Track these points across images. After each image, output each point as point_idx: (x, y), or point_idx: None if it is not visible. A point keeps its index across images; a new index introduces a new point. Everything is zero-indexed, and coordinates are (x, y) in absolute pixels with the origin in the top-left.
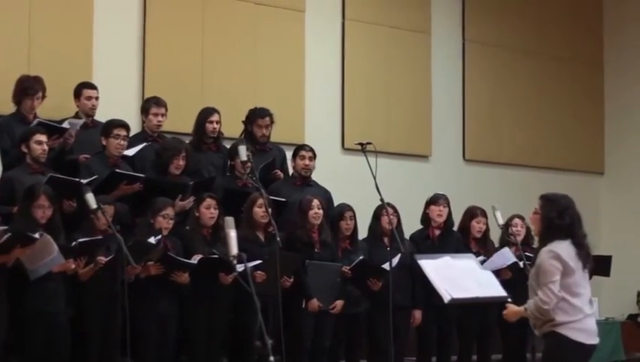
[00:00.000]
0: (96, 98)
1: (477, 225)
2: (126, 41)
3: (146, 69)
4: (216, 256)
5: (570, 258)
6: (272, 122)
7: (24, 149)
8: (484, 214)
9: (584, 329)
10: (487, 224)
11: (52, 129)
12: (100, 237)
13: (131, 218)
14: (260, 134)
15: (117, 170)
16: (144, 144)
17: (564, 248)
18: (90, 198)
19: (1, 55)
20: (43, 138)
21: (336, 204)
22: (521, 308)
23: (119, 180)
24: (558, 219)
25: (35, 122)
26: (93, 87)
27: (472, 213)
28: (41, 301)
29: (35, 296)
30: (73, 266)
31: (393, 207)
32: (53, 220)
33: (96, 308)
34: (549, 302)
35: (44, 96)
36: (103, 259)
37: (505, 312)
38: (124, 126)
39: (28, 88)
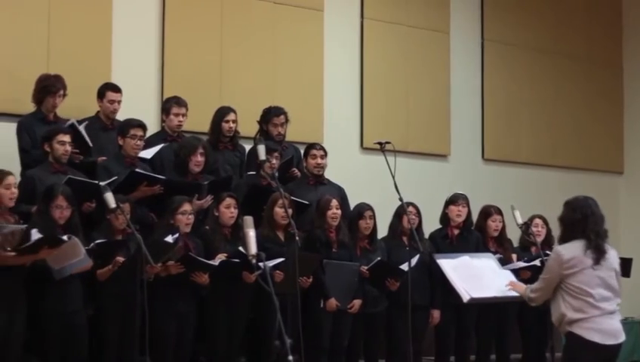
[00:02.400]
0: (119, 102)
1: (493, 224)
2: (145, 40)
3: (165, 68)
4: (237, 260)
5: (578, 257)
6: (287, 120)
7: (47, 148)
8: (499, 212)
9: (598, 329)
10: (503, 222)
11: (79, 138)
12: (118, 238)
13: (151, 218)
14: (276, 133)
15: (136, 170)
16: (161, 145)
17: (573, 248)
18: (109, 198)
19: (21, 55)
20: (66, 138)
21: (355, 203)
22: (523, 288)
23: (139, 181)
24: (571, 217)
25: (69, 122)
26: (117, 90)
27: (486, 213)
28: (60, 300)
29: (53, 296)
30: (90, 267)
31: (416, 207)
32: (71, 221)
33: (114, 307)
34: (535, 291)
35: (65, 95)
36: (120, 259)
37: (511, 282)
38: (141, 126)
39: (50, 86)
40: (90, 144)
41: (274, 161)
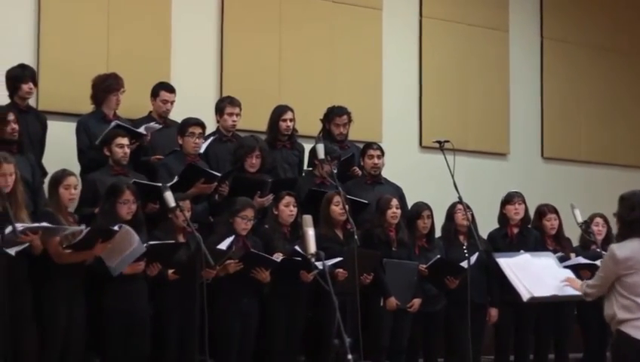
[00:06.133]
0: (172, 102)
1: (548, 223)
2: (204, 40)
3: (224, 67)
4: (298, 258)
5: (636, 258)
6: (349, 120)
7: (106, 152)
8: (553, 211)
9: None
10: (559, 220)
11: (130, 132)
12: (179, 236)
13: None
14: (338, 132)
15: (193, 163)
16: (211, 138)
17: (629, 247)
18: (169, 197)
19: (80, 55)
20: (124, 141)
21: (413, 202)
22: (579, 284)
23: (196, 177)
24: (628, 215)
25: (113, 124)
26: (171, 90)
27: (541, 212)
28: (124, 299)
29: (118, 294)
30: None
31: (467, 206)
32: (137, 216)
33: (174, 306)
34: (591, 286)
35: (123, 91)
36: (173, 276)
37: (567, 278)
38: (200, 124)
39: (112, 85)
40: (144, 132)
41: (327, 167)
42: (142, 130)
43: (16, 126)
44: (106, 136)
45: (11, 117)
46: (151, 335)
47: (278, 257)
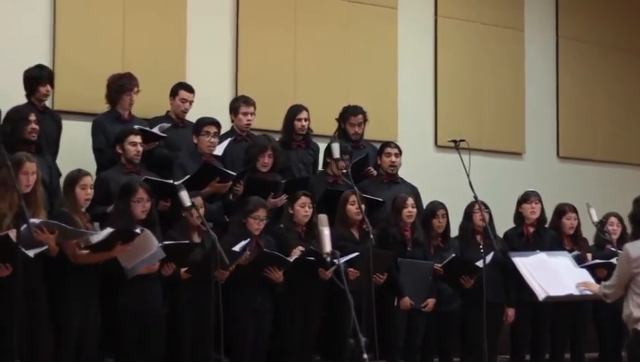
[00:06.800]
0: (191, 102)
1: (568, 222)
2: (219, 39)
3: (239, 67)
4: (312, 257)
5: None
6: (365, 120)
7: (119, 150)
8: (573, 210)
9: None
10: (578, 220)
11: (150, 135)
12: (194, 235)
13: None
14: (353, 132)
15: (208, 162)
16: (229, 139)
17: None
18: (184, 196)
19: (96, 55)
20: (137, 139)
21: (428, 201)
22: (596, 287)
23: (211, 176)
24: None
25: (135, 128)
26: (190, 89)
27: (561, 211)
28: (139, 299)
29: (133, 294)
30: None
31: (485, 205)
32: (151, 215)
33: (189, 306)
34: (609, 287)
35: (138, 91)
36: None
37: (582, 282)
38: (215, 123)
39: (126, 84)
40: (162, 134)
41: (342, 163)
42: (156, 130)
43: (36, 126)
44: (120, 135)
45: (33, 117)
46: (165, 334)
47: (296, 253)
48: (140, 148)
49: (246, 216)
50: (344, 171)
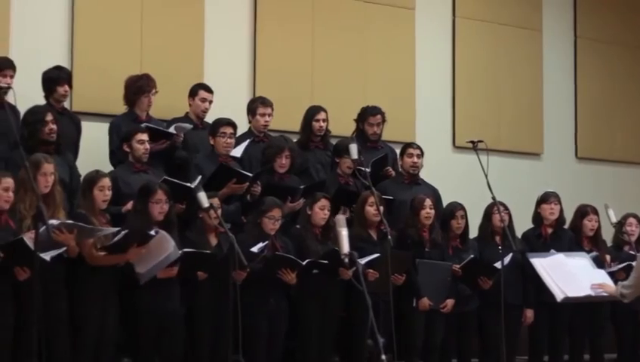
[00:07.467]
0: (210, 102)
1: (589, 224)
2: (237, 41)
3: (257, 68)
4: (325, 261)
5: None
6: (383, 120)
7: (126, 149)
8: (595, 212)
9: None
10: (598, 222)
11: (159, 133)
12: (210, 237)
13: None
14: (372, 132)
15: (224, 163)
16: (248, 141)
17: None
18: (202, 197)
19: (114, 56)
20: (145, 137)
21: (446, 202)
22: (613, 288)
23: (228, 177)
24: None
25: (143, 125)
26: (209, 90)
27: (583, 212)
28: (157, 301)
29: (151, 296)
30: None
31: (504, 206)
32: (169, 217)
33: (206, 306)
34: (627, 287)
35: (156, 92)
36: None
37: (599, 284)
38: (231, 124)
39: (144, 86)
40: (171, 132)
41: (348, 162)
42: (172, 129)
43: (54, 126)
44: (127, 133)
45: (49, 117)
46: (184, 335)
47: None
48: (148, 147)
49: (261, 215)
50: (356, 170)
